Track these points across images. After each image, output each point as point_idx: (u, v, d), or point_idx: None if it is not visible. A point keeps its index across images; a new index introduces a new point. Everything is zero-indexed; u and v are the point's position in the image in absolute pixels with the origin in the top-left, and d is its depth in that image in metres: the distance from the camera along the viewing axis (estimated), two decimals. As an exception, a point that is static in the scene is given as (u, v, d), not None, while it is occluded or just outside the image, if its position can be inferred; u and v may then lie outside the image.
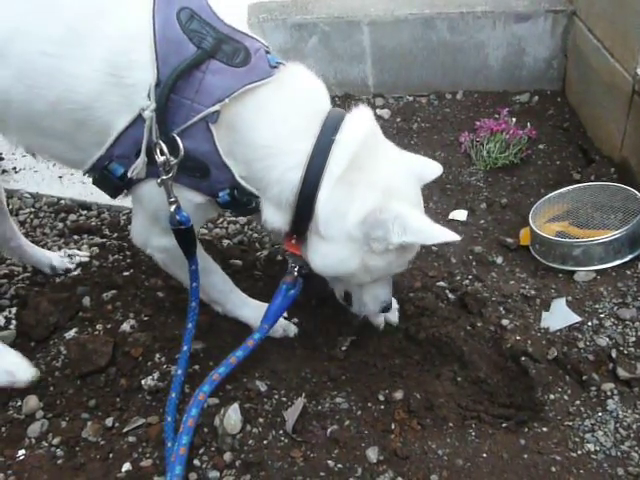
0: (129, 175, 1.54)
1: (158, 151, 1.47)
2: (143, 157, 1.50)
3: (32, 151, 1.72)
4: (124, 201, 2.69)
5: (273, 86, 1.53)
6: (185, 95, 1.45)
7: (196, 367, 1.86)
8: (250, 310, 1.96)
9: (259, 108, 1.53)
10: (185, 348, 1.78)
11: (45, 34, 1.43)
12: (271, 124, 1.54)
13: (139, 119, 1.46)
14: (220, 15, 1.51)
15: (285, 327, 1.96)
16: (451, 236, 1.54)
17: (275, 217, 1.64)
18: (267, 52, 1.57)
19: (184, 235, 1.63)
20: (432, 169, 1.82)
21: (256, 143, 1.54)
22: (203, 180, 1.57)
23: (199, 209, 1.65)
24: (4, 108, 1.52)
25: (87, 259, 2.34)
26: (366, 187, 1.57)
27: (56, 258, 2.29)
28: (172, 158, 1.48)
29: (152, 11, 1.44)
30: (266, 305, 1.82)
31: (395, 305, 1.99)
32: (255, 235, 2.47)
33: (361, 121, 1.63)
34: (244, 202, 1.63)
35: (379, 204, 1.56)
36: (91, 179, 1.66)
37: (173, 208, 1.56)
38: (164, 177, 1.50)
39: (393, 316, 1.99)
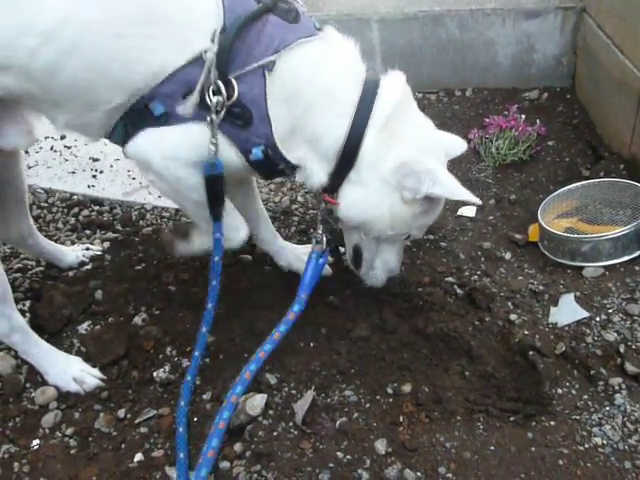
0: (179, 112, 1.57)
1: (211, 92, 1.53)
2: (196, 96, 1.54)
3: (74, 129, 1.72)
4: (136, 197, 2.77)
5: (321, 43, 1.65)
6: (246, 43, 1.54)
7: (207, 360, 1.88)
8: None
9: (311, 61, 1.63)
10: (204, 330, 1.81)
11: (116, 20, 1.48)
12: (324, 75, 1.65)
13: (197, 61, 1.52)
14: None
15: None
16: (473, 198, 1.71)
17: (318, 168, 1.72)
18: (310, 17, 1.71)
19: (214, 184, 1.67)
20: (458, 145, 1.96)
21: (309, 92, 1.63)
22: (243, 130, 1.61)
23: (232, 161, 1.67)
24: (67, 95, 1.57)
25: (100, 253, 2.37)
26: (403, 140, 1.71)
27: (71, 254, 2.32)
28: (226, 100, 1.54)
29: None
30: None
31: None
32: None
33: (398, 82, 1.76)
34: (274, 163, 1.69)
35: (415, 156, 1.71)
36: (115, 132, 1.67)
37: (214, 150, 1.60)
38: (213, 116, 1.55)
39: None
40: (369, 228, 1.83)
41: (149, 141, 1.64)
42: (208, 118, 1.56)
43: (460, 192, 1.71)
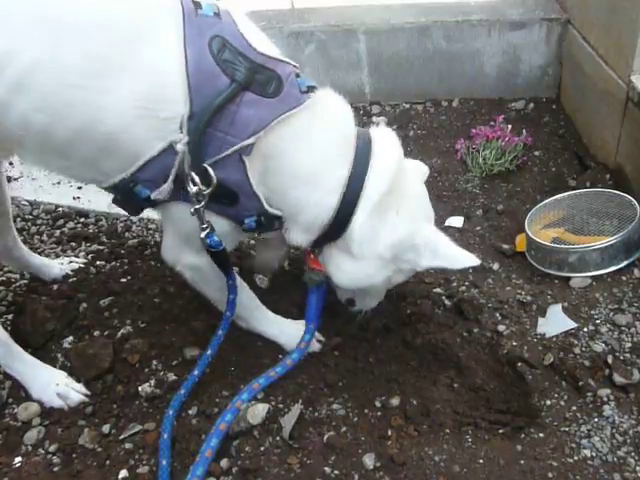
0: (152, 197, 1.53)
1: (190, 182, 1.47)
2: (170, 184, 1.49)
3: (50, 170, 1.67)
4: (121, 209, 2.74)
5: (306, 114, 1.53)
6: (219, 128, 1.44)
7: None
8: (274, 326, 1.98)
9: (295, 137, 1.53)
10: (209, 352, 1.81)
11: (69, 65, 1.38)
12: (308, 153, 1.56)
13: (169, 149, 1.44)
14: (252, 42, 1.48)
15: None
16: (475, 261, 1.66)
17: (302, 238, 1.68)
18: (297, 75, 1.56)
19: (217, 257, 1.65)
20: (424, 173, 1.93)
21: (293, 172, 1.56)
22: (231, 207, 1.57)
23: (230, 233, 1.66)
24: (23, 134, 1.47)
25: (84, 266, 2.34)
26: (396, 211, 1.65)
27: (55, 267, 2.29)
28: (204, 188, 1.48)
29: (183, 42, 1.41)
30: (289, 321, 1.99)
31: None
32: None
33: (392, 147, 1.68)
34: (268, 226, 1.67)
35: (411, 229, 1.65)
36: (111, 197, 1.65)
37: (204, 234, 1.56)
38: (197, 206, 1.50)
39: None
40: (364, 291, 1.85)
41: (164, 247, 1.75)
42: (192, 208, 1.51)
43: (461, 261, 1.66)
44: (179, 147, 1.42)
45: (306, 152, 1.55)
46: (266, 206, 1.58)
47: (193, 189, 1.47)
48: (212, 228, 1.57)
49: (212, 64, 1.42)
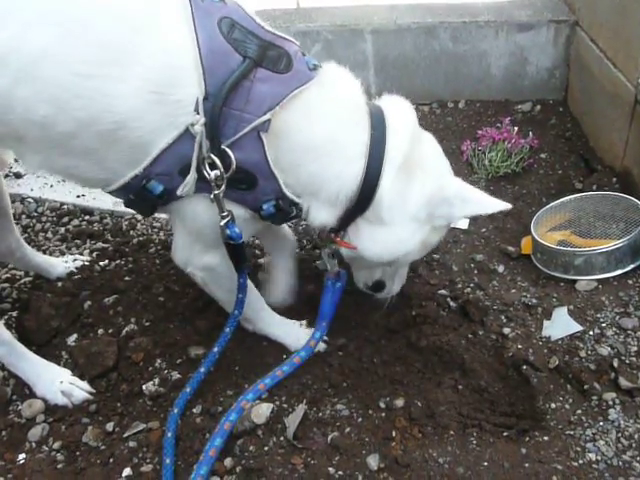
0: (179, 193, 1.50)
1: (207, 166, 1.44)
2: (194, 174, 1.46)
3: (54, 172, 1.65)
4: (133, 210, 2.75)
5: (316, 88, 1.53)
6: (234, 106, 1.42)
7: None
8: (281, 328, 1.98)
9: (308, 111, 1.52)
10: (215, 349, 1.81)
11: (78, 55, 1.36)
12: (323, 124, 1.55)
13: (185, 135, 1.41)
14: (259, 21, 1.50)
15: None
16: (504, 205, 1.69)
17: (326, 215, 1.64)
18: (303, 54, 1.57)
19: (234, 250, 1.62)
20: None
21: (308, 145, 1.54)
22: (249, 192, 1.55)
23: (246, 223, 1.63)
24: (27, 128, 1.44)
25: (88, 263, 2.34)
26: (421, 170, 1.64)
27: (60, 265, 2.29)
28: (224, 171, 1.45)
29: (193, 24, 1.40)
30: (296, 322, 1.99)
31: None
32: (257, 241, 2.47)
33: (406, 110, 1.70)
34: (287, 212, 1.63)
35: (439, 183, 1.66)
36: (123, 201, 1.63)
37: (224, 222, 1.53)
38: (216, 192, 1.47)
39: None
40: (399, 261, 1.81)
41: (175, 247, 1.74)
42: (211, 194, 1.48)
43: (492, 204, 1.69)
44: (197, 128, 1.39)
45: (320, 124, 1.54)
46: (284, 188, 1.56)
47: (212, 174, 1.44)
48: (233, 217, 1.54)
49: (223, 43, 1.42)
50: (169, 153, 1.44)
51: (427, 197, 1.64)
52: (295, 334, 1.95)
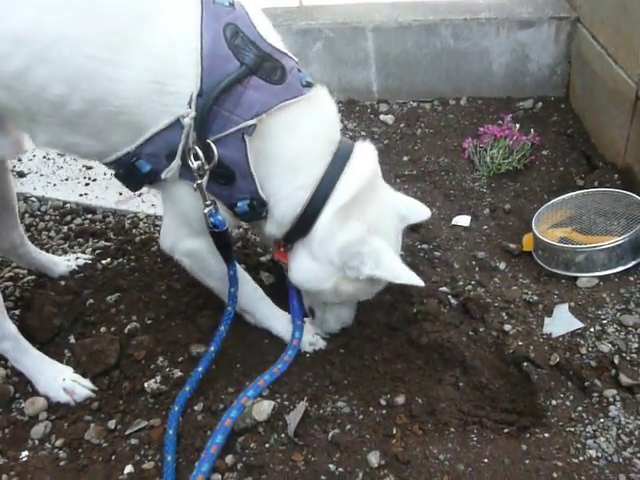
0: (163, 176, 1.59)
1: (192, 156, 1.53)
2: (178, 161, 1.55)
3: (58, 149, 1.76)
4: (129, 205, 2.76)
5: (303, 106, 1.62)
6: (225, 107, 1.51)
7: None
8: (280, 321, 2.00)
9: (288, 125, 1.61)
10: (212, 349, 1.82)
11: (91, 39, 1.45)
12: (296, 143, 1.64)
13: (176, 124, 1.51)
14: (262, 34, 1.57)
15: (313, 342, 1.96)
16: (416, 281, 1.64)
17: (274, 228, 1.74)
18: (299, 70, 1.65)
19: (219, 238, 1.69)
20: (419, 213, 1.92)
21: (277, 159, 1.63)
22: (226, 188, 1.63)
23: (227, 214, 1.70)
24: (40, 107, 1.53)
25: (91, 262, 2.35)
26: (356, 220, 1.69)
27: (62, 263, 2.30)
28: (206, 163, 1.54)
29: (200, 25, 1.49)
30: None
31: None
32: (257, 239, 2.48)
33: (368, 159, 1.75)
34: (259, 212, 1.70)
35: (362, 237, 1.67)
36: (113, 172, 1.70)
37: (207, 210, 1.61)
38: (198, 181, 1.56)
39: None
40: (315, 295, 1.86)
41: (163, 232, 1.80)
42: (194, 183, 1.57)
43: (403, 276, 1.66)
44: (186, 121, 1.49)
45: (293, 143, 1.63)
46: (259, 190, 1.63)
47: (195, 164, 1.54)
48: (216, 206, 1.63)
49: (225, 48, 1.51)
50: (159, 138, 1.54)
51: (344, 244, 1.67)
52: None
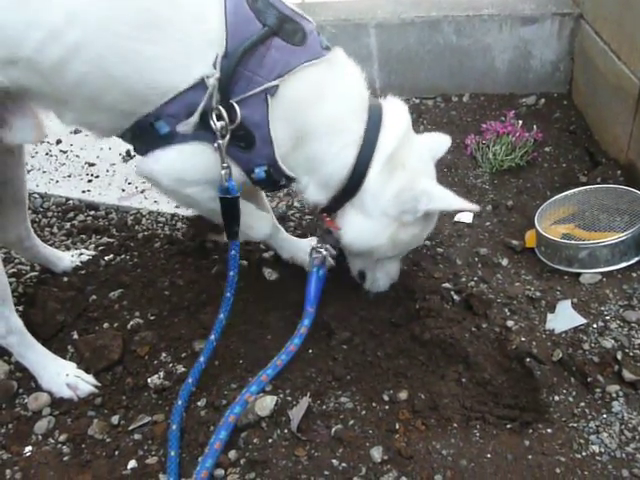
0: (178, 129, 1.59)
1: (215, 116, 1.55)
2: (196, 117, 1.56)
3: (82, 126, 1.79)
4: (131, 202, 2.76)
5: (326, 66, 1.64)
6: (249, 68, 1.54)
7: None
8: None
9: (315, 86, 1.63)
10: (212, 337, 1.83)
11: (124, 20, 1.48)
12: (328, 103, 1.66)
13: (200, 84, 1.53)
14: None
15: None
16: (470, 205, 1.75)
17: (318, 194, 1.78)
18: (318, 33, 1.68)
19: (230, 204, 1.71)
20: (442, 145, 2.00)
21: (312, 120, 1.65)
22: (245, 152, 1.64)
23: (239, 183, 1.71)
24: (75, 92, 1.56)
25: (93, 258, 2.35)
26: (401, 167, 1.74)
27: (66, 259, 2.31)
28: (229, 123, 1.57)
29: None
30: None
31: None
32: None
33: (401, 110, 1.82)
34: (277, 181, 1.74)
35: (411, 181, 1.74)
36: (125, 137, 1.72)
37: (224, 172, 1.63)
38: (220, 141, 1.58)
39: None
40: (373, 254, 1.89)
41: (157, 163, 1.70)
42: (215, 143, 1.58)
43: (456, 202, 1.75)
44: (211, 81, 1.51)
45: (327, 102, 1.65)
46: (277, 156, 1.64)
47: (218, 124, 1.56)
48: (231, 172, 1.64)
49: (247, 10, 1.56)
50: (182, 98, 1.55)
51: (397, 192, 1.73)
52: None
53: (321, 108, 1.64)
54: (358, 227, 1.80)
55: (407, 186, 1.73)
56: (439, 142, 1.99)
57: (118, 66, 1.51)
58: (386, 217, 1.77)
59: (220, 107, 1.55)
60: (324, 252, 1.96)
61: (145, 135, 1.65)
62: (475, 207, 1.77)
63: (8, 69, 1.51)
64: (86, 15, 1.46)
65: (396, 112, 1.79)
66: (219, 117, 1.55)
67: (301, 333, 1.88)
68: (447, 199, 1.75)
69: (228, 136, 1.58)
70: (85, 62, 1.50)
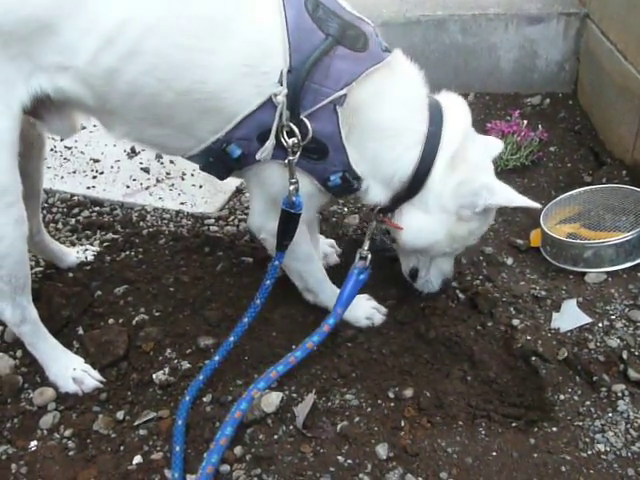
0: (258, 157, 1.59)
1: (285, 133, 1.55)
2: (272, 140, 1.56)
3: (138, 141, 1.76)
4: (136, 198, 2.76)
5: (386, 70, 1.64)
6: (315, 80, 1.53)
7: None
8: None
9: (378, 91, 1.63)
10: (231, 339, 1.83)
11: (180, 28, 1.48)
12: (390, 106, 1.66)
13: (267, 103, 1.53)
14: (340, 2, 1.62)
15: (370, 316, 1.99)
16: (531, 203, 1.75)
17: (380, 195, 1.77)
18: (377, 35, 1.67)
19: (289, 220, 1.70)
20: (496, 146, 1.98)
21: (375, 125, 1.65)
22: (319, 162, 1.64)
23: (311, 195, 1.73)
24: (127, 102, 1.55)
25: (98, 254, 2.35)
26: (463, 164, 1.74)
27: (72, 254, 2.31)
28: (301, 139, 1.56)
29: (282, 3, 1.52)
30: (361, 296, 2.00)
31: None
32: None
33: (461, 107, 1.81)
34: (351, 184, 1.72)
35: (471, 176, 1.74)
36: (198, 164, 1.74)
37: (292, 188, 1.62)
38: (290, 157, 1.58)
39: None
40: (429, 251, 1.89)
41: (254, 208, 1.82)
42: (285, 160, 1.58)
43: (517, 199, 1.76)
44: (279, 99, 1.51)
45: (389, 106, 1.66)
46: (352, 160, 1.65)
47: (290, 141, 1.55)
48: (298, 187, 1.63)
49: (309, 21, 1.54)
50: (251, 119, 1.56)
51: (458, 188, 1.74)
52: (362, 307, 1.99)
53: (381, 112, 1.64)
54: (418, 225, 1.79)
55: (467, 180, 1.73)
56: (494, 144, 1.98)
57: (174, 75, 1.50)
58: (445, 212, 1.77)
59: (291, 124, 1.54)
60: (370, 256, 1.93)
61: (219, 162, 1.67)
62: (537, 205, 1.77)
63: (57, 76, 1.50)
64: (141, 22, 1.45)
65: (456, 107, 1.79)
66: (289, 134, 1.55)
67: (323, 331, 1.84)
68: (508, 195, 1.76)
69: (299, 153, 1.57)
70: (140, 70, 1.48)
